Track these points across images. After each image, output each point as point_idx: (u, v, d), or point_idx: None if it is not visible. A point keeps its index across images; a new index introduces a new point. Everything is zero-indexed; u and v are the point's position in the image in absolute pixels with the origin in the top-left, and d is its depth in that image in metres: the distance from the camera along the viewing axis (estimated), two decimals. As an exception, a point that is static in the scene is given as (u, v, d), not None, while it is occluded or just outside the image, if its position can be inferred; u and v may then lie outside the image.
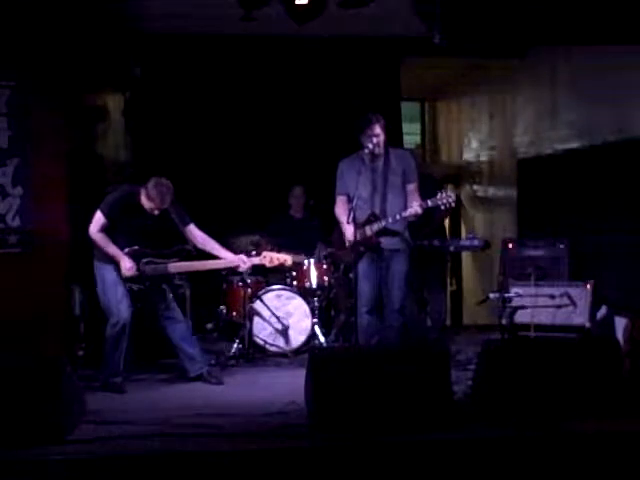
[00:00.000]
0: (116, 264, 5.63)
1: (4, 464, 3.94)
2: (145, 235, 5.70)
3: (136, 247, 5.66)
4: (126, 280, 5.64)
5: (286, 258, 6.02)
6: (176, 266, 5.77)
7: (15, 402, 4.26)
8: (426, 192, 5.90)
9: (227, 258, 5.83)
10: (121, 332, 5.62)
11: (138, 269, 5.63)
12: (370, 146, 5.79)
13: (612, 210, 6.74)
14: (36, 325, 5.87)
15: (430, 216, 6.63)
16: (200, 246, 5.85)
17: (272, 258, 5.96)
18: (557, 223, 7.43)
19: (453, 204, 5.68)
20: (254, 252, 6.88)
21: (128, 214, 5.63)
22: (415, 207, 5.73)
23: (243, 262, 5.85)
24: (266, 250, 7.06)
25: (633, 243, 6.48)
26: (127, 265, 5.60)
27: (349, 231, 5.78)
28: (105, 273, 5.66)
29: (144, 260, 5.68)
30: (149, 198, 5.57)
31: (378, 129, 5.87)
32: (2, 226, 5.97)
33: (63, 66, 6.09)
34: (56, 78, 6.05)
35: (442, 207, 5.70)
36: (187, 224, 5.84)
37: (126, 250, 5.64)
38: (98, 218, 5.62)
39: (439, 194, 5.68)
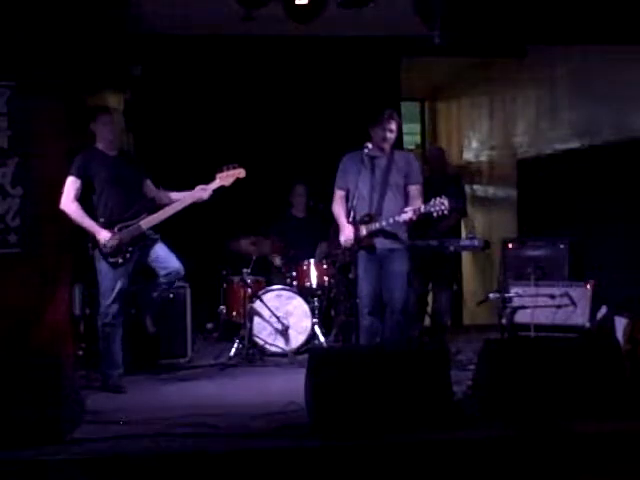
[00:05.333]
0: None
1: (4, 464, 3.94)
2: (119, 191, 5.66)
3: (102, 220, 5.60)
4: (110, 255, 5.57)
5: (240, 171, 6.00)
6: (147, 221, 5.68)
7: (15, 402, 4.26)
8: (447, 193, 5.89)
9: (189, 195, 5.82)
10: (112, 323, 5.59)
11: (116, 237, 5.56)
12: (381, 139, 5.80)
13: (612, 210, 6.74)
14: (36, 325, 5.87)
15: (436, 221, 6.63)
16: (157, 200, 5.86)
17: (227, 176, 5.94)
18: (557, 223, 7.43)
19: (446, 212, 5.66)
20: (253, 246, 6.94)
21: (96, 166, 5.63)
22: (409, 213, 5.72)
23: (203, 190, 5.84)
24: (266, 247, 7.11)
25: (633, 243, 6.48)
26: (105, 235, 5.54)
27: (347, 230, 5.79)
28: (102, 263, 5.63)
29: (116, 228, 5.60)
30: (100, 130, 5.68)
31: (394, 125, 5.89)
32: (2, 226, 5.97)
33: (63, 66, 6.08)
34: (56, 78, 6.04)
35: (434, 214, 5.69)
36: (145, 177, 5.88)
37: (100, 222, 5.60)
38: (70, 183, 5.59)
39: (432, 201, 5.66)
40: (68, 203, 5.60)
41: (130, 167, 5.79)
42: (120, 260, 5.60)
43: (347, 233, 5.79)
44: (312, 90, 8.44)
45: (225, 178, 5.92)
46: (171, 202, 5.81)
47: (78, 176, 5.61)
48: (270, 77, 8.28)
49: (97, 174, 5.64)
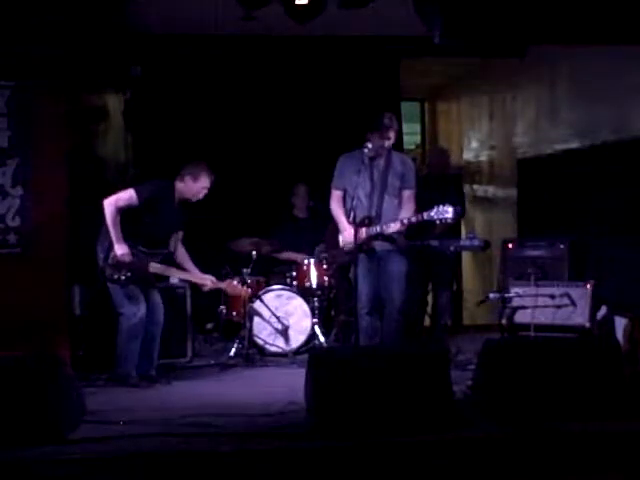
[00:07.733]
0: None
1: (4, 464, 3.94)
2: (157, 230, 5.76)
3: (128, 241, 5.65)
4: (110, 267, 5.64)
5: (247, 291, 6.42)
6: (154, 266, 5.80)
7: (15, 402, 4.26)
8: (446, 194, 5.87)
9: (197, 274, 5.99)
10: (137, 323, 5.69)
11: (128, 257, 5.62)
12: (379, 147, 5.78)
13: (612, 210, 6.74)
14: (36, 325, 5.86)
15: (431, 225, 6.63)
16: (178, 257, 5.96)
17: (234, 287, 6.24)
18: (557, 223, 7.43)
19: (450, 221, 5.66)
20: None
21: (160, 204, 5.73)
22: (398, 224, 5.73)
23: (211, 282, 5.99)
24: (267, 250, 7.12)
25: (633, 243, 6.48)
26: (124, 250, 5.59)
27: (348, 232, 5.78)
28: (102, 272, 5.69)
29: (133, 251, 5.67)
30: (192, 188, 5.82)
31: (392, 133, 5.87)
32: (2, 226, 5.97)
33: (63, 66, 6.08)
34: (56, 78, 6.05)
35: (437, 222, 5.69)
36: (181, 230, 5.96)
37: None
38: (129, 197, 5.65)
39: (435, 208, 5.65)
40: (112, 207, 5.62)
41: (179, 217, 5.90)
42: (115, 276, 5.66)
43: (347, 236, 5.80)
44: (312, 90, 8.44)
45: (231, 287, 6.21)
46: (181, 264, 5.96)
47: (139, 199, 5.66)
48: (270, 77, 8.27)
49: (155, 210, 5.72)
